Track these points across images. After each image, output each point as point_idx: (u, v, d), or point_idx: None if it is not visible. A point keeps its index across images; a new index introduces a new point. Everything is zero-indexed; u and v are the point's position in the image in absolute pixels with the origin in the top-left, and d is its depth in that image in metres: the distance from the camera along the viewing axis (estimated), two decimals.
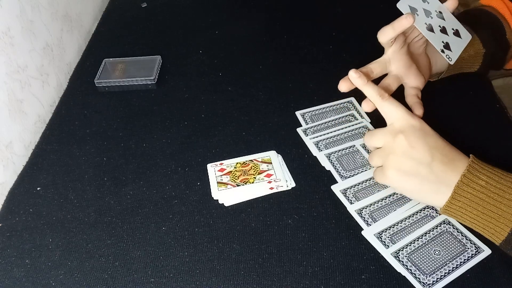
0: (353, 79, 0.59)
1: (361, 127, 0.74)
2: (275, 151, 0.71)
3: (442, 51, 0.61)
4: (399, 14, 0.59)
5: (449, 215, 0.55)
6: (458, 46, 0.61)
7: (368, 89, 0.58)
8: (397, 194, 0.63)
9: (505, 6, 0.72)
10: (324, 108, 0.78)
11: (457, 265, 0.54)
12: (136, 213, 0.63)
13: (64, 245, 0.60)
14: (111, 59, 0.91)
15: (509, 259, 0.54)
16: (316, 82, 0.85)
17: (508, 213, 0.50)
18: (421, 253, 0.55)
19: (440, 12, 0.60)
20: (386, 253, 0.56)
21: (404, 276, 0.54)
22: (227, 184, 0.66)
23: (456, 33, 0.61)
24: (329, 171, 0.67)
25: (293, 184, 0.66)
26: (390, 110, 0.57)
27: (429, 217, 0.59)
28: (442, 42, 0.61)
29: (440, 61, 0.72)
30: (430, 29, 0.60)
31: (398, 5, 0.60)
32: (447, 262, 0.55)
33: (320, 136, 0.72)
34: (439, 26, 0.60)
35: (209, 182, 0.67)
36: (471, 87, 0.80)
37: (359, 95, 0.77)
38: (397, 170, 0.55)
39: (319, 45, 0.94)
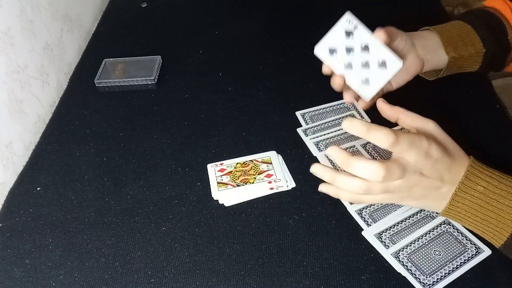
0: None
1: None
2: (275, 151, 0.71)
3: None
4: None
5: (448, 218, 0.55)
6: (381, 78, 0.59)
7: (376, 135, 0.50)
8: None
9: (508, 8, 0.72)
10: (324, 108, 0.78)
11: (457, 265, 0.54)
12: (136, 213, 0.63)
13: (64, 245, 0.60)
14: (111, 59, 0.91)
15: (509, 259, 0.54)
16: (316, 82, 0.84)
17: (507, 219, 0.50)
18: (421, 254, 0.55)
19: (366, 46, 0.58)
20: (386, 254, 0.56)
21: (404, 277, 0.54)
22: (227, 184, 0.66)
23: (382, 64, 0.58)
24: None
25: (293, 184, 0.66)
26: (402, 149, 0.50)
27: (429, 218, 0.59)
28: (361, 79, 0.60)
29: (435, 59, 0.71)
30: (349, 66, 0.60)
31: (315, 52, 0.60)
32: (447, 263, 0.55)
33: (320, 136, 0.72)
34: (361, 62, 0.59)
35: (209, 182, 0.67)
36: (471, 87, 0.80)
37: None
38: (406, 197, 0.53)
39: None
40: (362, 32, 0.58)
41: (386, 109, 0.54)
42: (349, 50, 0.59)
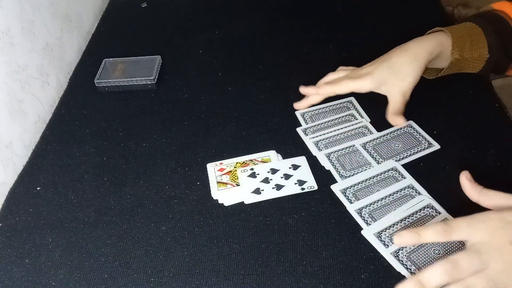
0: None
1: (361, 127, 0.74)
2: (274, 151, 0.71)
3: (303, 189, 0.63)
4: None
5: None
6: (306, 172, 0.64)
7: None
8: (396, 193, 0.63)
9: None
10: (324, 107, 0.78)
11: None
12: (136, 213, 0.63)
13: (64, 245, 0.60)
14: (111, 59, 0.91)
15: None
16: (316, 81, 0.84)
17: None
18: (421, 253, 0.55)
19: (270, 171, 0.63)
20: (386, 253, 0.56)
21: (404, 276, 0.54)
22: (227, 184, 0.66)
23: (294, 167, 0.64)
24: (329, 170, 0.67)
25: None
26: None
27: (429, 217, 0.59)
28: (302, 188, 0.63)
29: (437, 64, 0.71)
30: (279, 188, 0.63)
31: None
32: None
33: (320, 135, 0.72)
34: (281, 177, 0.63)
35: (209, 182, 0.67)
36: (471, 87, 0.80)
37: (358, 95, 0.77)
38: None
39: (319, 45, 0.94)
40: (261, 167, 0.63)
41: (467, 188, 0.57)
42: (256, 190, 0.64)
